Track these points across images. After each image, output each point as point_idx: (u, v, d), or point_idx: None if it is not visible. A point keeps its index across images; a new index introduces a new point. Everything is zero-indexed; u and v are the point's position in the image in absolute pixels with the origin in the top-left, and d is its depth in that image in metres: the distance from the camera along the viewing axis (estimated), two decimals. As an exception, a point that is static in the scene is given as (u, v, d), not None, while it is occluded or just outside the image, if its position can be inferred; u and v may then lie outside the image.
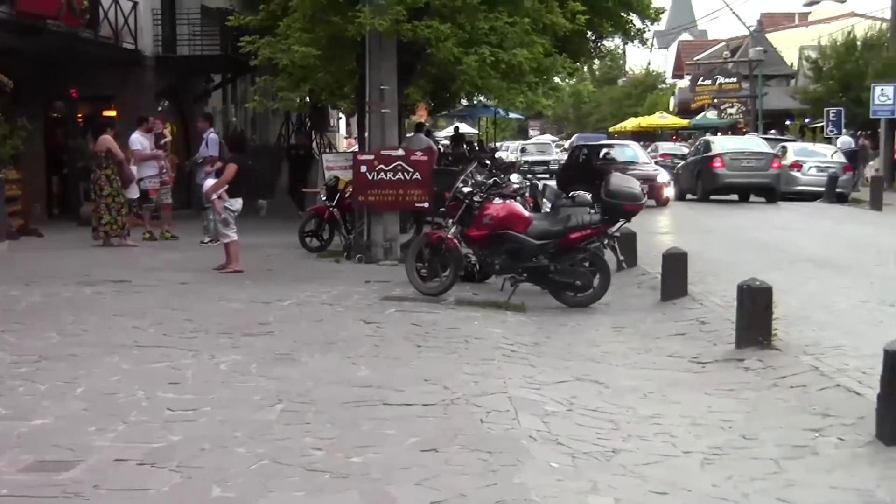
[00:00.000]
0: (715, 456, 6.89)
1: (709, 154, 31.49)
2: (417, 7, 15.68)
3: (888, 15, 43.92)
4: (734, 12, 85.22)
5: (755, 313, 9.87)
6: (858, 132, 43.84)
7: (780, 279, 12.26)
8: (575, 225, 12.89)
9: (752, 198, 31.18)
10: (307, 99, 24.90)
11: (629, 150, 32.39)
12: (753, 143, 34.47)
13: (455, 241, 13.10)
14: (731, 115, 59.92)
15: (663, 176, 29.78)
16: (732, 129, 57.55)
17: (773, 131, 49.69)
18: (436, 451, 6.55)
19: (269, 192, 27.12)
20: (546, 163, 49.93)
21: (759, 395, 8.43)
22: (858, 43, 48.22)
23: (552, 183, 23.43)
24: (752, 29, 60.25)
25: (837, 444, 6.97)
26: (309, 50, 16.48)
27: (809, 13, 76.69)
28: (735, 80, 59.25)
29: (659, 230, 21.58)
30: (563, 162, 39.96)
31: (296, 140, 28.79)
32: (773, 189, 30.66)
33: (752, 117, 55.34)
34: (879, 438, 6.79)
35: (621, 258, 13.68)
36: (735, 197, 31.61)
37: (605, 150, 32.05)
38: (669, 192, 29.62)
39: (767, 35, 66.50)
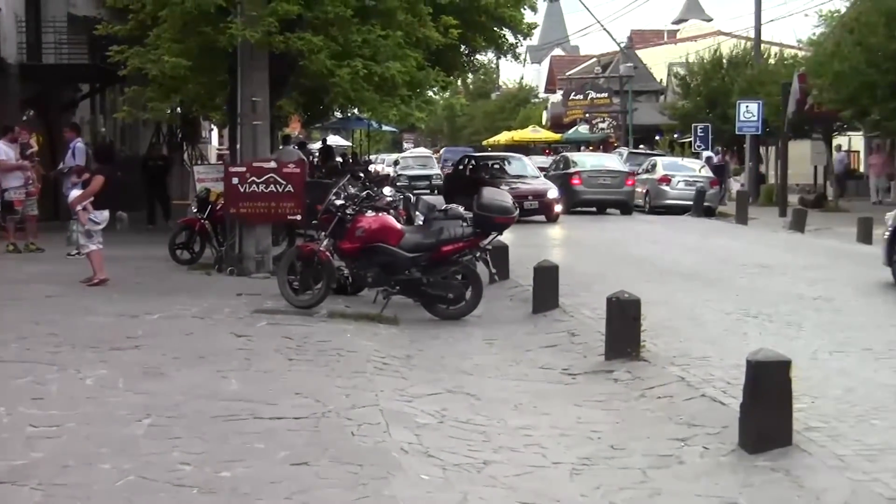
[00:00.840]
0: (584, 466, 6.97)
1: (568, 171, 32.31)
2: (290, 19, 15.58)
3: (752, 34, 45.12)
4: (605, 29, 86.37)
5: (624, 325, 10.03)
6: (723, 148, 44.88)
7: (649, 291, 12.48)
8: (447, 238, 12.93)
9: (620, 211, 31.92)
10: (178, 110, 24.54)
11: (519, 164, 31.99)
12: (610, 161, 35.87)
13: (327, 253, 13.03)
14: (602, 129, 60.80)
15: (553, 191, 28.93)
16: (604, 143, 58.43)
17: (640, 146, 50.58)
18: (306, 464, 6.50)
19: (137, 203, 26.56)
20: (428, 177, 47.16)
21: (627, 405, 8.56)
22: (724, 61, 49.40)
23: (438, 198, 23.32)
24: (622, 45, 61.25)
25: (702, 453, 7.11)
26: (179, 61, 16.25)
27: (678, 31, 78.66)
28: (606, 95, 60.18)
29: (531, 243, 21.74)
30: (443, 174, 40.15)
31: (151, 152, 28.07)
32: (627, 204, 32.38)
33: (623, 132, 56.23)
34: (742, 447, 6.95)
35: (493, 271, 13.74)
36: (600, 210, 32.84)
37: (493, 163, 31.97)
38: (560, 207, 28.98)
39: (637, 51, 67.69)
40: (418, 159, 55.07)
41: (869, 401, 8.16)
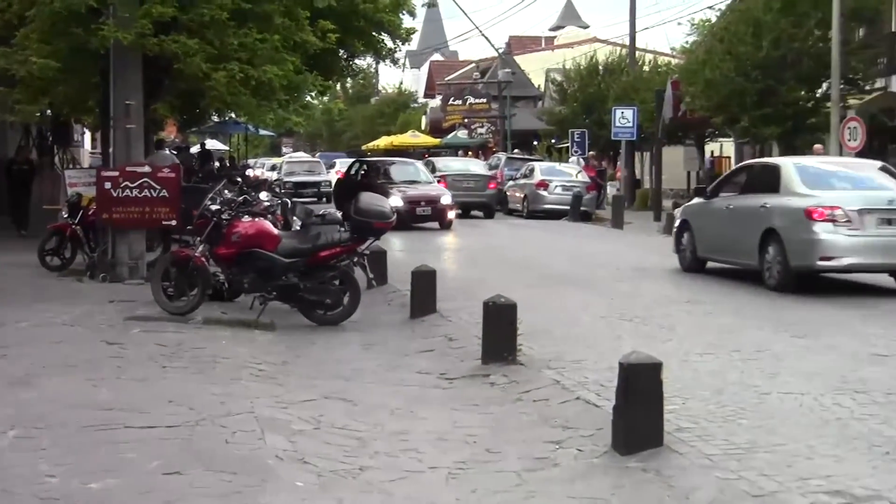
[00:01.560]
0: (460, 470, 6.99)
1: (434, 175, 32.41)
2: (164, 21, 15.34)
3: (627, 41, 45.89)
4: (483, 34, 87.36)
5: (500, 329, 10.09)
6: (599, 153, 45.53)
7: (526, 295, 12.58)
8: (325, 243, 12.88)
9: (505, 217, 32.16)
10: (48, 112, 23.97)
11: (411, 169, 31.54)
12: (473, 165, 37.82)
13: (203, 259, 12.88)
14: (481, 134, 61.19)
15: (447, 197, 28.59)
16: (482, 148, 58.83)
17: (516, 151, 50.96)
18: (179, 473, 6.41)
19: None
20: (316, 184, 42.99)
21: (503, 409, 8.61)
22: (600, 67, 50.15)
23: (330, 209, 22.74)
24: (500, 51, 61.78)
25: (576, 456, 7.19)
26: (48, 62, 15.87)
27: (555, 37, 79.57)
28: (485, 100, 60.61)
29: (410, 248, 21.80)
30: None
31: (17, 155, 27.26)
32: (490, 206, 33.82)
33: (502, 137, 56.72)
34: (615, 448, 7.05)
35: (371, 276, 13.75)
36: (481, 214, 33.61)
37: (385, 168, 31.48)
38: (453, 213, 28.73)
39: (516, 57, 68.30)
40: (304, 164, 49.23)
41: (736, 401, 8.35)
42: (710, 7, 51.23)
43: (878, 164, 17.51)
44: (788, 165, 16.46)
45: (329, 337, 12.16)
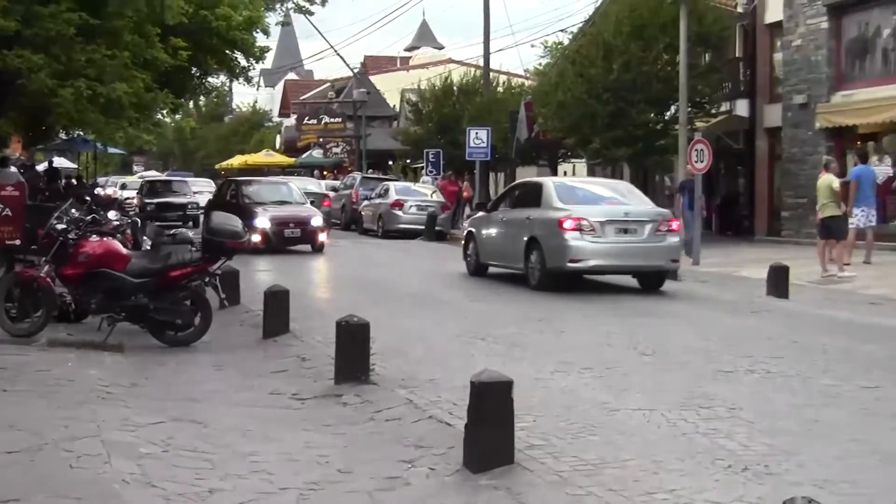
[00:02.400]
0: (311, 491, 6.93)
1: None
2: (7, 35, 14.95)
3: (482, 63, 46.38)
4: (339, 54, 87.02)
5: (353, 349, 10.07)
6: (451, 173, 45.88)
7: (380, 315, 12.58)
8: (175, 263, 12.67)
9: (359, 237, 32.06)
10: None
11: (284, 189, 29.64)
12: (310, 184, 38.92)
13: (48, 279, 12.55)
14: (336, 154, 61.15)
15: (318, 219, 27.01)
16: (338, 167, 58.74)
17: (370, 171, 50.99)
18: (18, 501, 6.21)
19: None
20: (182, 206, 38.55)
21: (356, 429, 8.58)
22: (455, 88, 50.55)
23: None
24: (356, 71, 61.82)
25: (429, 474, 7.20)
26: None
27: (411, 58, 79.97)
28: (340, 119, 60.66)
29: (263, 268, 21.60)
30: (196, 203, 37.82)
31: None
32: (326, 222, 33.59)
33: (357, 157, 56.71)
34: (467, 466, 7.08)
35: (223, 296, 13.58)
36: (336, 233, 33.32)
37: (255, 188, 29.41)
38: (325, 236, 27.27)
39: (371, 77, 68.53)
40: (169, 184, 43.45)
41: (587, 418, 8.47)
42: (562, 30, 52.27)
43: (626, 183, 22.23)
44: (549, 184, 19.37)
45: (180, 358, 11.96)
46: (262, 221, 25.87)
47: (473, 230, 20.92)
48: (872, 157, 26.63)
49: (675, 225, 18.50)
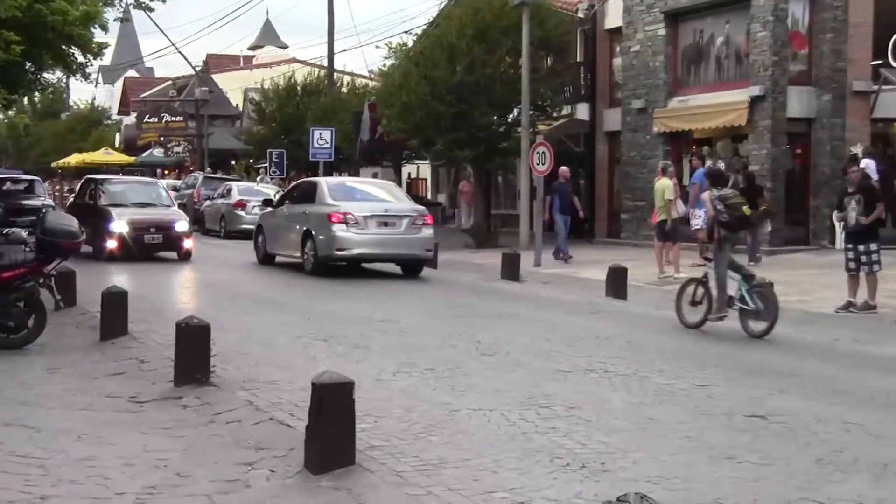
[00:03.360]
0: (149, 496, 6.81)
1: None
2: None
3: (326, 63, 46.21)
4: (180, 51, 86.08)
5: (194, 351, 9.92)
6: (298, 173, 45.60)
7: (221, 317, 12.45)
8: (8, 263, 12.29)
9: (202, 237, 31.53)
10: None
11: (149, 189, 26.89)
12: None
13: None
14: (177, 153, 60.15)
15: (183, 224, 24.41)
16: (179, 167, 57.81)
17: (208, 170, 50.23)
18: None
19: None
20: (34, 210, 31.53)
21: (195, 431, 8.45)
22: (299, 88, 50.24)
23: None
24: (198, 69, 60.92)
25: (269, 476, 7.14)
26: None
27: (254, 56, 79.12)
28: (181, 118, 59.64)
29: (102, 270, 21.09)
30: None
31: None
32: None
33: (199, 156, 55.91)
34: (308, 468, 7.05)
35: (58, 297, 13.21)
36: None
37: (118, 188, 26.69)
38: (191, 242, 24.50)
39: (214, 76, 67.60)
40: (19, 183, 36.45)
41: (428, 418, 8.52)
42: (406, 32, 52.43)
43: (391, 184, 26.23)
44: (322, 183, 22.43)
45: (12, 361, 11.59)
46: (119, 225, 23.51)
47: (262, 224, 23.61)
48: (707, 161, 27.45)
49: (429, 220, 21.51)
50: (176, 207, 26.03)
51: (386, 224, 20.65)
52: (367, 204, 21.01)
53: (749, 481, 6.89)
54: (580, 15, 34.65)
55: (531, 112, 30.05)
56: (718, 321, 14.04)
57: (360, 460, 7.11)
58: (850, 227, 16.05)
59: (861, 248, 15.86)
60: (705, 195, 15.06)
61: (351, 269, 21.13)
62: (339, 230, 20.15)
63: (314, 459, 7.02)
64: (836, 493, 6.62)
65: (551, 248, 25.51)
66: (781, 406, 9.22)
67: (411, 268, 21.45)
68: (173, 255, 24.20)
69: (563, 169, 26.66)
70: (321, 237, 20.23)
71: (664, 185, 21.60)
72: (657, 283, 20.39)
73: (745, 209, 14.48)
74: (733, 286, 13.99)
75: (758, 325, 13.64)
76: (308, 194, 21.93)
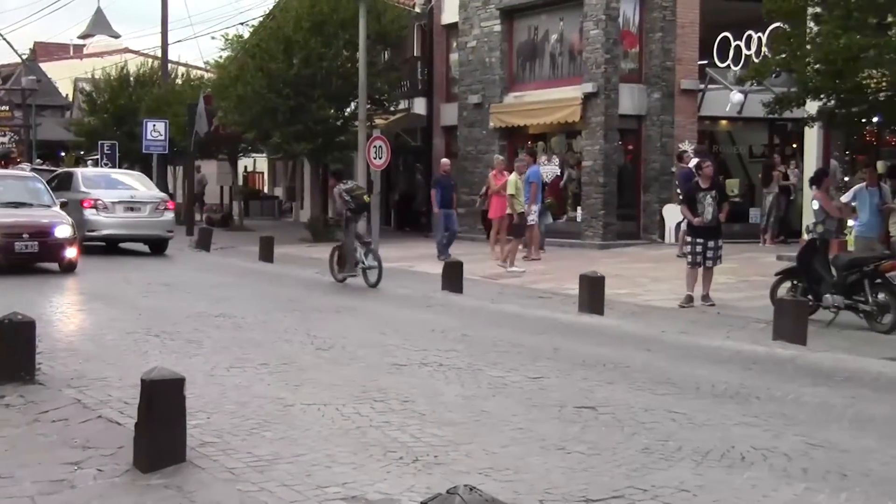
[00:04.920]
0: (-32, 499, 6.57)
1: None
2: None
3: (160, 53, 45.35)
4: (6, 39, 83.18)
5: (17, 348, 9.60)
6: (126, 165, 44.60)
7: (48, 312, 12.09)
8: None
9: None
10: None
11: (25, 186, 22.13)
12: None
13: None
14: (3, 144, 58.25)
15: (64, 229, 20.02)
16: (5, 158, 55.97)
17: (38, 161, 48.74)
18: None
19: None
20: None
21: (18, 431, 8.18)
22: (132, 78, 49.17)
23: None
24: (24, 57, 59.07)
25: (96, 475, 6.96)
26: None
27: (84, 46, 77.12)
28: (7, 108, 57.77)
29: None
30: None
31: None
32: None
33: (27, 147, 54.27)
34: (136, 466, 6.90)
35: None
36: None
37: None
38: (74, 252, 20.08)
39: (41, 64, 65.68)
40: None
41: (261, 414, 8.43)
42: (242, 23, 51.67)
43: (139, 174, 29.98)
44: (77, 173, 26.80)
45: None
46: None
47: None
48: (541, 157, 27.90)
49: (171, 205, 25.88)
50: (57, 208, 21.45)
51: (132, 209, 24.71)
52: (115, 191, 25.07)
53: (578, 471, 7.02)
54: (417, 10, 34.80)
55: (368, 106, 30.03)
56: (352, 276, 19.04)
57: (191, 457, 7.00)
58: (707, 223, 16.38)
59: (711, 243, 16.31)
60: (337, 188, 19.56)
61: (193, 262, 20.78)
62: (89, 214, 23.95)
63: (143, 457, 6.88)
64: (661, 480, 6.80)
65: (388, 241, 25.54)
66: (610, 397, 9.43)
67: (157, 246, 25.37)
68: (54, 265, 20.14)
69: (445, 161, 26.53)
70: (76, 220, 21.48)
71: (511, 181, 21.86)
72: (492, 277, 20.62)
73: (366, 197, 19.63)
74: (360, 251, 19.00)
75: (372, 277, 18.63)
76: (65, 183, 25.62)
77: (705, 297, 16.40)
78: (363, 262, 18.96)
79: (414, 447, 7.54)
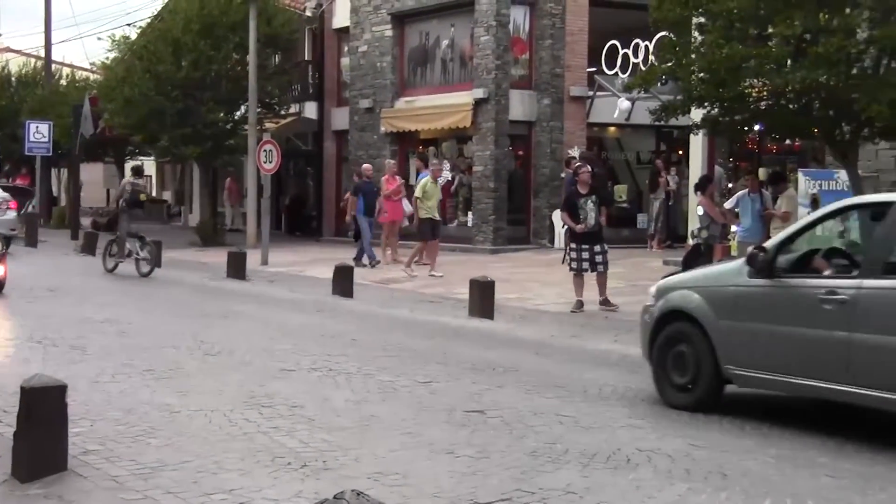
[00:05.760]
0: None
1: None
2: None
3: (43, 53, 44.40)
4: None
5: None
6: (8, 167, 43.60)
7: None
8: None
9: None
10: None
11: None
12: None
13: None
14: None
15: None
16: None
17: None
18: None
19: None
20: None
21: None
22: (13, 79, 48.10)
23: None
24: None
25: (-27, 487, 6.79)
26: None
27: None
28: None
29: None
30: None
31: None
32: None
33: None
34: (15, 476, 6.74)
35: None
36: None
37: None
38: (2, 269, 16.88)
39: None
40: None
41: (147, 421, 8.31)
42: (129, 24, 50.88)
43: None
44: None
45: None
46: None
47: None
48: (432, 161, 27.94)
49: (13, 205, 27.24)
50: None
51: None
52: None
53: (467, 475, 7.05)
54: (308, 13, 34.63)
55: (259, 110, 29.81)
56: (121, 263, 20.78)
57: (73, 466, 6.87)
58: (590, 228, 16.52)
59: (597, 248, 16.45)
60: (125, 180, 21.82)
61: (78, 267, 20.38)
62: None
63: (22, 467, 6.72)
64: (548, 483, 6.86)
65: (278, 246, 25.35)
66: (499, 400, 9.49)
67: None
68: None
69: (367, 167, 26.15)
70: None
71: (421, 184, 21.87)
72: (382, 282, 20.61)
73: (142, 196, 22.08)
74: (133, 243, 20.69)
75: (145, 268, 20.38)
76: None
77: (604, 302, 16.51)
78: (138, 253, 20.64)
79: (302, 453, 7.50)
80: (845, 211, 9.96)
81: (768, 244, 9.33)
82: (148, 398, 9.23)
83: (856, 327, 8.12)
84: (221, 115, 31.55)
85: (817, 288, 8.52)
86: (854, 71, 14.69)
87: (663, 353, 9.69)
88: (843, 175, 16.21)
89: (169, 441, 7.72)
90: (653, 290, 10.29)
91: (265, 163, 24.79)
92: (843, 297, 8.24)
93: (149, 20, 36.81)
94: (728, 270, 9.62)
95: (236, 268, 21.26)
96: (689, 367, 9.39)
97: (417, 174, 24.92)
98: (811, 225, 9.52)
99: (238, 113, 31.80)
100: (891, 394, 7.91)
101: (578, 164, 18.96)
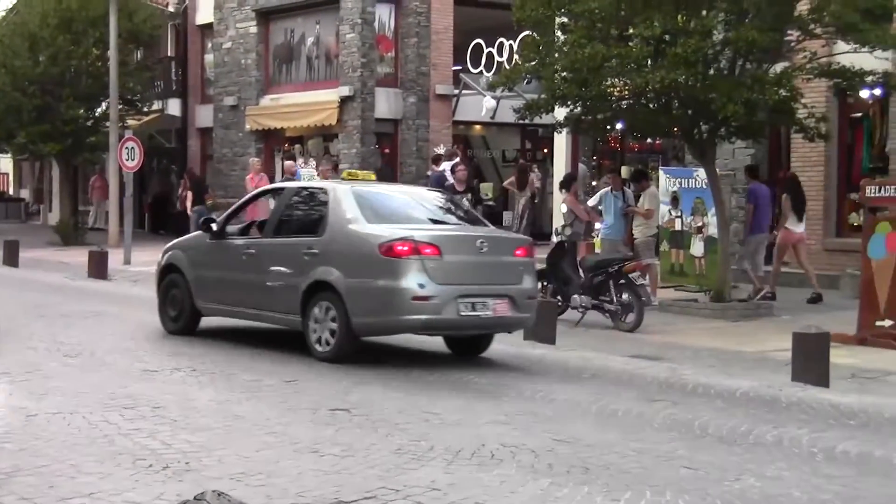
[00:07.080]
0: None
1: None
2: None
3: None
4: None
5: None
6: None
7: None
8: None
9: None
10: None
11: None
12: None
13: None
14: None
15: None
16: None
17: None
18: None
19: None
20: None
21: None
22: None
23: None
24: None
25: None
26: None
27: None
28: None
29: None
30: None
31: None
32: None
33: None
34: None
35: None
36: None
37: None
38: None
39: None
40: None
41: (2, 425, 8.08)
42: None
43: None
44: None
45: None
46: None
47: None
48: (299, 159, 27.81)
49: None
50: None
51: None
52: None
53: (331, 473, 7.02)
54: (171, 9, 34.15)
55: (120, 106, 29.29)
56: None
57: (-83, 475, 6.65)
58: None
59: None
60: None
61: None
62: None
63: None
64: (413, 479, 6.88)
65: (142, 245, 24.89)
66: (365, 399, 9.48)
67: None
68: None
69: (290, 164, 25.60)
70: None
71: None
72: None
73: None
74: None
75: None
76: None
77: None
78: None
79: (164, 454, 7.38)
80: (263, 195, 15.16)
81: (220, 217, 13.41)
82: (3, 402, 8.99)
83: (260, 271, 12.05)
84: (81, 111, 30.98)
85: (242, 245, 12.59)
86: (711, 71, 15.10)
87: (164, 294, 13.48)
88: (701, 173, 16.59)
89: (25, 445, 7.51)
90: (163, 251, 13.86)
91: (127, 160, 24.36)
92: (252, 250, 12.34)
93: (3, 13, 35.87)
94: (200, 236, 13.38)
95: (98, 267, 20.86)
96: (178, 304, 13.19)
97: (283, 173, 24.75)
98: (245, 204, 14.30)
99: (99, 109, 31.25)
100: (284, 315, 11.79)
101: (456, 161, 19.05)
